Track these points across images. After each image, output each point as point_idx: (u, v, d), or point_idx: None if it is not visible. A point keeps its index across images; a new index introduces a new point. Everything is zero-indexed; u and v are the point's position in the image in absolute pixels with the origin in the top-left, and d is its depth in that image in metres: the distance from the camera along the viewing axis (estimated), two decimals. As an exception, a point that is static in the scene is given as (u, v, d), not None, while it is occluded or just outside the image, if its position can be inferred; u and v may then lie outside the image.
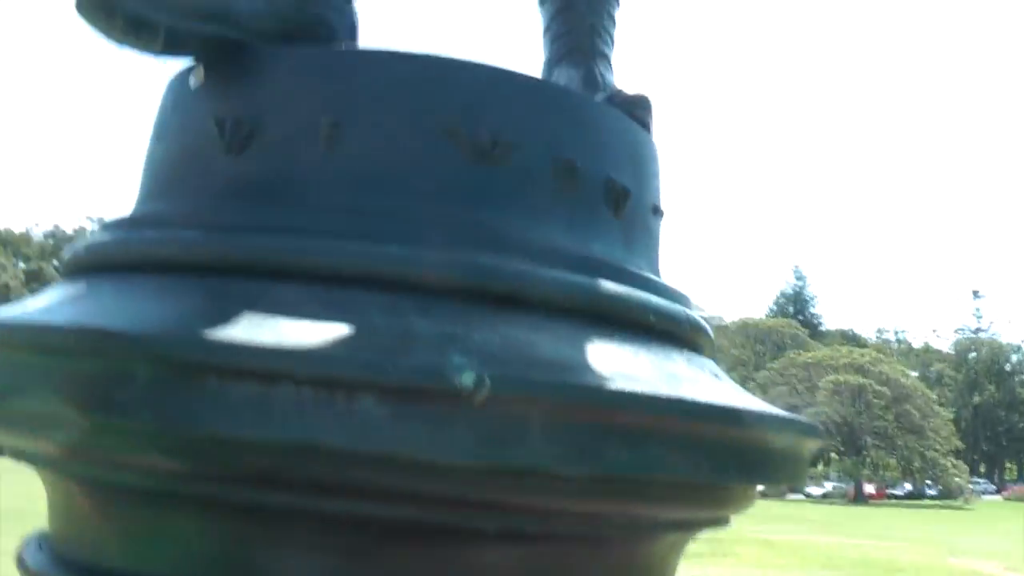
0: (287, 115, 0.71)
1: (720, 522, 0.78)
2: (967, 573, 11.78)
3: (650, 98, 0.91)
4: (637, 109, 0.88)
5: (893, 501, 41.69)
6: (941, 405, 44.78)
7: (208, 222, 0.69)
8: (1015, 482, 59.54)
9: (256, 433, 0.54)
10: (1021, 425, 61.02)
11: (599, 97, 0.93)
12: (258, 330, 0.56)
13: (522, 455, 0.55)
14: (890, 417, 40.42)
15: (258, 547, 0.62)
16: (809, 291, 71.58)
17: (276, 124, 0.71)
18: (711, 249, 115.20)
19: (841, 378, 39.98)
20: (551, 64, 1.06)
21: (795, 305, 68.91)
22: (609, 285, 0.70)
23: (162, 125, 0.80)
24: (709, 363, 0.79)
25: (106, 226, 0.80)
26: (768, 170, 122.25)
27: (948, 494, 41.93)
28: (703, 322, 0.81)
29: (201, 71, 0.76)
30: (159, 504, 0.64)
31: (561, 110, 0.76)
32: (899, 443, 40.89)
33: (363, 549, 0.60)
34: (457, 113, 0.72)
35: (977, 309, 67.80)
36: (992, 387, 61.64)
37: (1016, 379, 62.73)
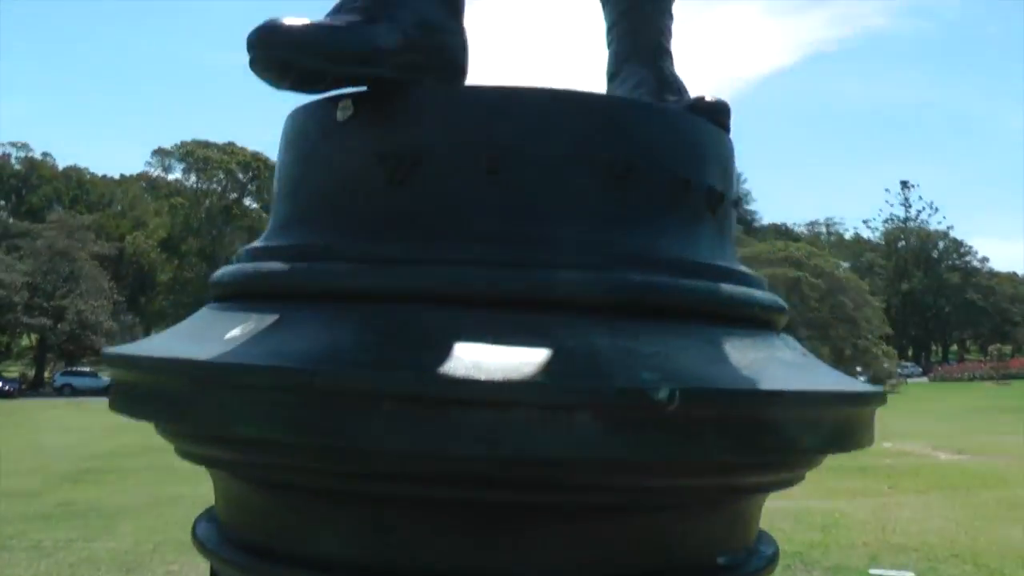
0: (449, 149, 0.79)
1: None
2: (899, 455, 12.47)
3: (728, 102, 1.02)
4: (720, 116, 0.99)
5: (826, 388, 43.06)
6: (872, 294, 46.15)
7: (382, 255, 0.77)
8: (940, 363, 62.21)
9: (489, 452, 0.65)
10: (947, 309, 63.42)
11: (681, 102, 1.03)
12: (478, 361, 0.66)
13: (701, 451, 0.68)
14: (825, 308, 41.60)
15: (416, 533, 0.74)
16: (744, 187, 72.48)
17: (438, 158, 0.79)
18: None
19: (777, 272, 40.93)
20: (619, 61, 1.14)
21: (730, 201, 69.45)
22: (725, 287, 0.82)
23: (308, 154, 0.86)
24: (793, 341, 0.92)
25: (258, 252, 0.87)
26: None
27: (878, 379, 43.70)
28: (782, 302, 0.95)
29: (350, 105, 0.84)
30: (329, 499, 0.75)
31: (676, 132, 0.87)
32: (832, 333, 42.19)
33: (563, 528, 0.73)
34: (599, 143, 0.81)
35: (906, 199, 69.42)
36: (920, 274, 63.74)
37: (943, 265, 64.87)
